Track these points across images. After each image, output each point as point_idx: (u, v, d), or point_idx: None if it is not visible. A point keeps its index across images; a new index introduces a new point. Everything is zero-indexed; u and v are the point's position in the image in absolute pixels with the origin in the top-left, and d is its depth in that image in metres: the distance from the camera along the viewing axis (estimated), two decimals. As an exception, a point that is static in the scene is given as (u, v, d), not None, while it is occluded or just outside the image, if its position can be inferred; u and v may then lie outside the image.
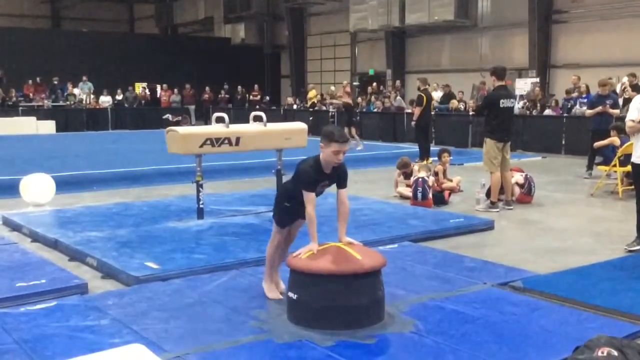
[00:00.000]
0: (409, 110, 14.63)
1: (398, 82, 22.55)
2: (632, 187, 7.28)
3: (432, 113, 17.41)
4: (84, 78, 24.96)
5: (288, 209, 4.36)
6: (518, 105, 16.95)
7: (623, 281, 4.99)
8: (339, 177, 4.22)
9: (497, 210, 8.11)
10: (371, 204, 8.20)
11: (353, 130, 16.98)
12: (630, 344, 3.20)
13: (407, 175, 9.31)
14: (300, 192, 4.13)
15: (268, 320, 4.12)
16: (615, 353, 3.05)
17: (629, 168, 7.74)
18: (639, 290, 4.73)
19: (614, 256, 5.87)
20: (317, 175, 4.13)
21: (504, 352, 3.61)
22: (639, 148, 5.99)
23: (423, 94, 13.31)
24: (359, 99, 22.57)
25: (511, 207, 8.28)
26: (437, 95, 19.45)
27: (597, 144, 10.54)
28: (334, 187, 4.28)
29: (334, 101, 21.07)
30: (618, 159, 9.33)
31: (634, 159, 6.08)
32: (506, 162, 8.34)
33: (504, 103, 8.22)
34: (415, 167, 9.17)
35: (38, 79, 24.66)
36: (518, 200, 8.65)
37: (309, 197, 4.10)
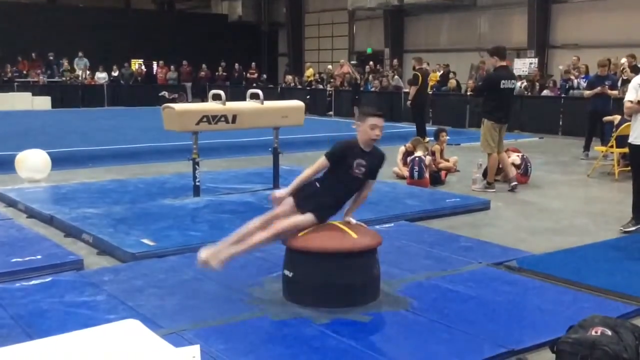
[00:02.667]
0: (407, 90, 14.58)
1: (396, 61, 22.43)
2: (629, 168, 7.29)
3: (430, 93, 17.43)
4: (80, 54, 24.78)
5: (315, 191, 4.07)
6: (518, 85, 16.90)
7: (618, 262, 5.02)
8: (376, 163, 4.11)
9: (494, 190, 8.11)
10: (368, 183, 8.18)
11: (357, 109, 16.96)
12: (624, 324, 3.22)
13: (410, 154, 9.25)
14: (334, 171, 4.03)
15: (263, 298, 4.13)
16: (609, 332, 3.06)
17: (625, 149, 7.75)
18: (634, 270, 4.76)
19: (609, 237, 5.90)
20: (352, 150, 4.03)
21: (499, 331, 3.63)
22: (637, 129, 5.99)
23: (418, 73, 13.27)
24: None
25: (515, 184, 8.15)
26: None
27: (605, 118, 10.54)
28: None
29: (344, 71, 20.93)
30: (615, 140, 9.33)
31: (631, 140, 6.08)
32: (500, 142, 8.31)
33: (504, 84, 8.10)
34: (409, 145, 9.16)
35: (33, 54, 24.47)
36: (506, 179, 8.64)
37: (322, 162, 4.02)
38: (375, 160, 4.12)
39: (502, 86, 8.09)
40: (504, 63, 8.36)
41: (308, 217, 3.98)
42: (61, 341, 2.55)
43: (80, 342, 2.52)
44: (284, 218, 4.00)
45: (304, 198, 4.04)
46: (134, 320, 2.79)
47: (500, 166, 8.40)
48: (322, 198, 4.03)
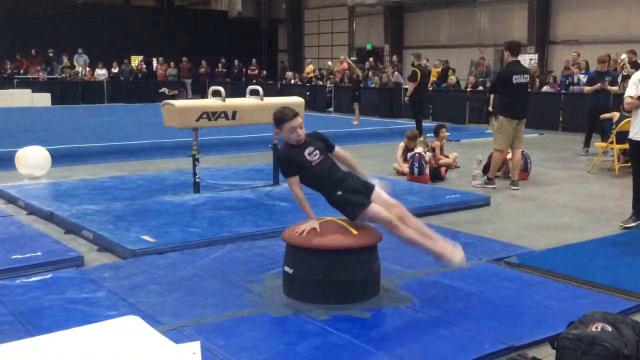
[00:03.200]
0: (407, 86, 14.58)
1: (395, 58, 22.41)
2: (629, 164, 7.28)
3: (430, 89, 17.41)
4: (80, 51, 24.74)
5: (338, 192, 3.99)
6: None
7: (618, 258, 5.01)
8: (321, 141, 4.14)
9: (494, 186, 8.10)
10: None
11: (357, 105, 16.91)
12: (624, 320, 3.21)
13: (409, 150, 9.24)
14: (309, 177, 4.03)
15: (264, 294, 4.13)
16: (609, 328, 3.06)
17: (625, 145, 7.75)
18: (634, 266, 4.76)
19: (609, 233, 5.90)
20: (293, 151, 4.03)
21: (499, 327, 3.63)
22: (637, 125, 5.98)
23: (417, 69, 13.25)
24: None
25: (517, 187, 8.11)
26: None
27: (603, 116, 10.54)
28: None
29: (344, 67, 20.91)
30: (615, 136, 9.32)
31: (631, 136, 6.08)
32: (519, 138, 8.25)
33: (516, 79, 8.04)
34: (406, 141, 9.17)
35: (33, 51, 24.44)
36: (510, 179, 8.63)
37: (292, 181, 4.01)
38: (315, 139, 4.13)
39: (514, 81, 8.03)
40: (516, 58, 8.29)
41: (374, 205, 3.92)
42: (62, 338, 2.55)
43: (80, 338, 2.52)
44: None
45: (351, 199, 3.94)
46: (135, 317, 2.79)
47: (509, 160, 8.34)
48: (343, 190, 3.97)
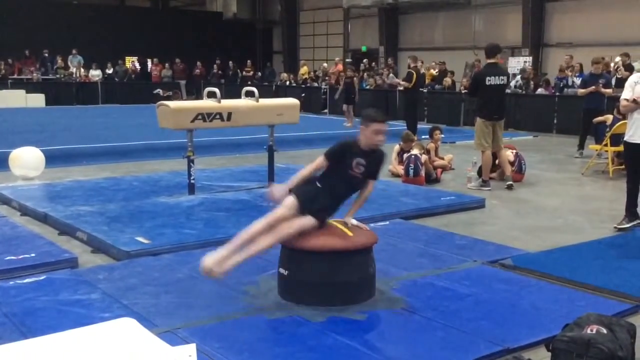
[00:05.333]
0: (402, 88, 14.63)
1: (391, 60, 22.43)
2: (623, 166, 7.30)
3: (425, 91, 17.45)
4: (74, 51, 24.65)
5: (316, 191, 4.01)
6: (514, 83, 16.91)
7: (612, 260, 5.03)
8: (375, 163, 4.10)
9: (489, 188, 8.11)
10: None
11: (349, 107, 16.96)
12: (619, 322, 3.22)
13: (405, 152, 9.24)
14: (333, 170, 4.02)
15: (259, 296, 4.12)
16: (604, 331, 3.07)
17: (620, 148, 7.77)
18: (628, 268, 4.77)
19: (604, 235, 5.91)
20: (351, 149, 4.02)
21: (494, 329, 3.63)
22: (632, 127, 6.00)
23: (413, 71, 13.37)
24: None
25: (511, 183, 8.17)
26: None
27: (596, 119, 10.57)
28: None
29: (339, 69, 20.93)
30: (609, 139, 9.35)
31: (626, 138, 6.09)
32: (497, 140, 8.29)
33: (490, 81, 8.09)
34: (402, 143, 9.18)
35: (27, 51, 24.34)
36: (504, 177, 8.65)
37: (320, 159, 4.01)
38: (376, 160, 4.10)
39: (487, 83, 8.09)
40: (492, 60, 8.32)
41: (310, 221, 3.92)
42: (56, 340, 2.54)
43: (75, 340, 2.51)
44: (286, 221, 3.89)
45: (306, 199, 3.95)
46: (130, 319, 2.78)
47: (497, 163, 8.42)
48: (323, 199, 3.99)
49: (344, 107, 17.26)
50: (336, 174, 4.03)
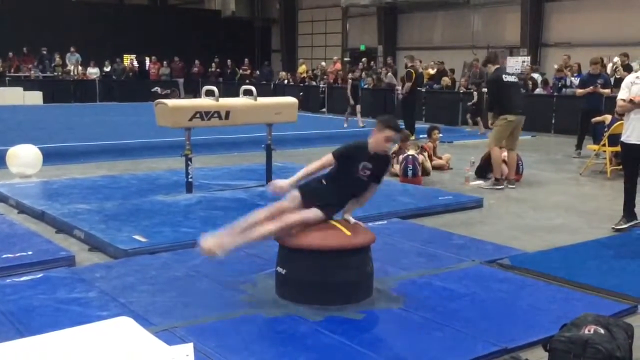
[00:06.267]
0: (405, 92, 14.59)
1: (389, 59, 22.42)
2: (621, 166, 7.31)
3: (423, 90, 17.44)
4: (72, 49, 24.62)
5: (321, 188, 4.06)
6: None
7: (610, 260, 5.03)
8: (381, 168, 4.13)
9: (502, 187, 8.13)
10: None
11: (358, 107, 16.70)
12: (617, 322, 3.22)
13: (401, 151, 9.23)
14: (340, 170, 4.04)
15: (257, 295, 4.12)
16: (602, 331, 3.07)
17: (617, 148, 7.77)
18: (626, 269, 4.77)
19: (602, 235, 5.91)
20: (360, 152, 4.05)
21: (491, 329, 3.63)
22: (629, 127, 6.00)
23: (412, 70, 13.41)
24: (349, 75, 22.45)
25: (513, 186, 8.25)
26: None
27: (594, 119, 10.59)
28: None
29: (337, 67, 20.86)
30: (607, 139, 9.35)
31: (623, 138, 6.10)
32: (514, 140, 8.41)
33: (506, 77, 8.41)
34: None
35: (25, 49, 24.30)
36: (506, 178, 8.66)
37: (328, 157, 4.03)
38: (382, 164, 4.13)
39: (505, 79, 8.34)
40: (498, 65, 8.66)
41: (316, 213, 3.95)
42: (53, 339, 2.53)
43: (72, 339, 2.51)
44: (291, 212, 3.95)
45: (311, 194, 4.01)
46: (127, 318, 2.77)
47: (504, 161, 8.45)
48: (328, 196, 4.03)
49: (357, 107, 16.82)
50: (342, 173, 4.06)
